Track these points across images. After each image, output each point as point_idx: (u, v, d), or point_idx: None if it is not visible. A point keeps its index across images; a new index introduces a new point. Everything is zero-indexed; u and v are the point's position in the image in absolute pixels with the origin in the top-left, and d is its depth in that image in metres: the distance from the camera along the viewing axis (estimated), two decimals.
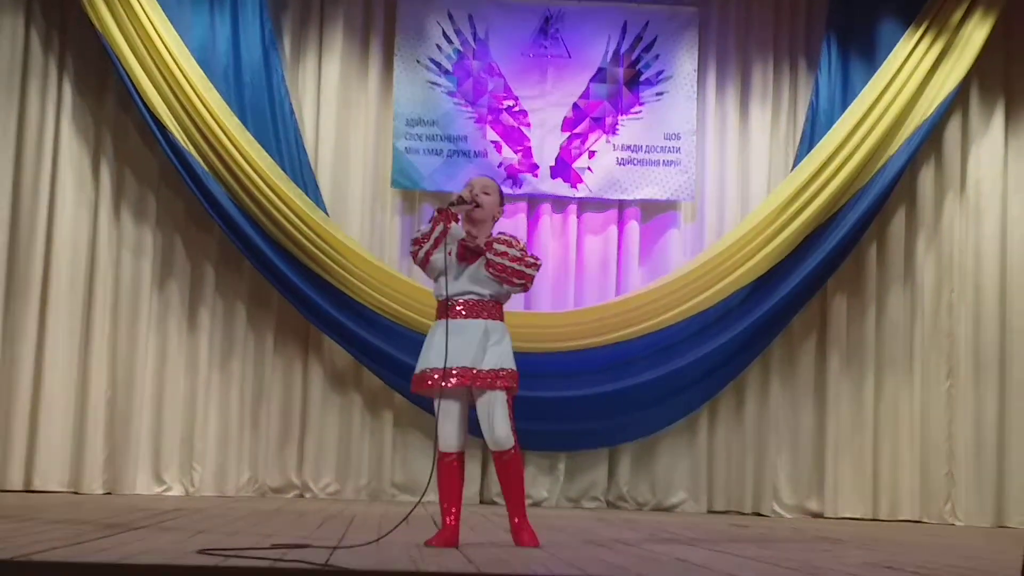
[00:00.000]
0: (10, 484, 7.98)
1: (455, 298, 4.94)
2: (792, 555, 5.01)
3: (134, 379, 8.28)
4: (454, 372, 4.86)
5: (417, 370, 4.97)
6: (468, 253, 4.97)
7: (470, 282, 4.97)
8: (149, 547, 4.27)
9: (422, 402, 8.22)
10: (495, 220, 5.09)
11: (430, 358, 4.90)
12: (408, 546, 4.74)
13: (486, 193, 5.03)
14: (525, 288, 5.09)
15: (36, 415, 8.11)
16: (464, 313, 4.94)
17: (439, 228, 4.91)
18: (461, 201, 4.97)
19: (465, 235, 5.00)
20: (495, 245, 4.97)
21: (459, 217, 5.00)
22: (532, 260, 5.04)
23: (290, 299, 8.25)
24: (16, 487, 7.97)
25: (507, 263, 4.95)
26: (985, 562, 5.10)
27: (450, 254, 4.96)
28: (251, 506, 7.17)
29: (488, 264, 4.95)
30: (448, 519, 4.91)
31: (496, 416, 4.91)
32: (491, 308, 5.00)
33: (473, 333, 4.91)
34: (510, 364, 4.96)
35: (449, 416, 4.94)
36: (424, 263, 4.96)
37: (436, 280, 4.99)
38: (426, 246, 4.92)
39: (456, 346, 4.86)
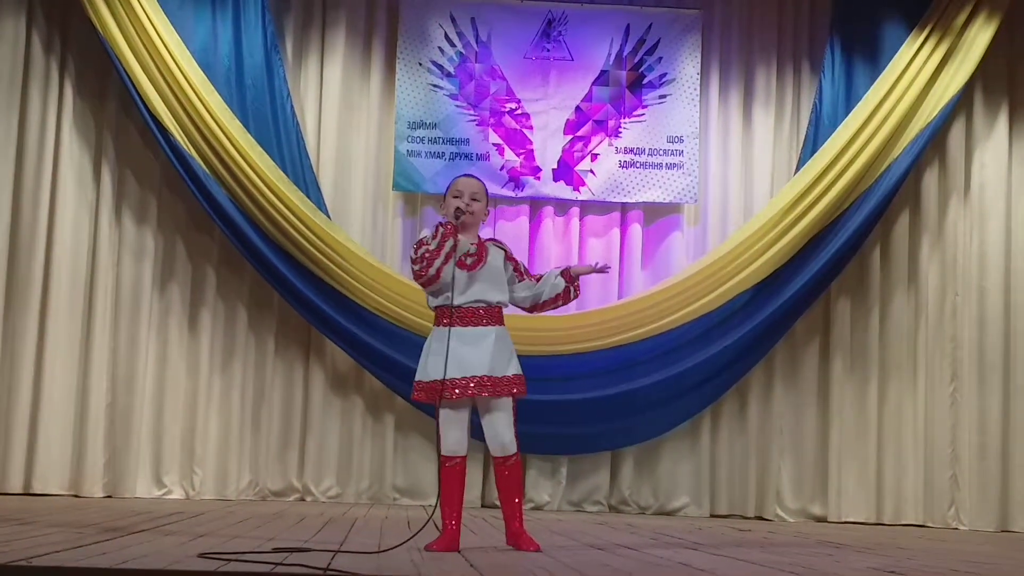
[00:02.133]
0: (10, 487, 7.96)
1: (465, 307, 4.96)
2: (795, 559, 5.00)
3: (135, 382, 8.26)
4: (472, 381, 4.88)
5: (424, 378, 4.96)
6: (472, 260, 5.00)
7: (480, 290, 5.01)
8: (150, 551, 4.26)
9: (425, 406, 8.21)
10: (482, 222, 5.21)
11: (437, 367, 4.88)
12: (410, 551, 4.72)
13: (475, 199, 5.09)
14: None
15: (36, 418, 8.09)
16: (474, 321, 4.96)
17: (449, 243, 4.91)
18: (460, 214, 4.99)
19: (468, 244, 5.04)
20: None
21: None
22: None
23: (291, 302, 8.23)
24: (16, 490, 7.95)
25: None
26: (989, 567, 5.07)
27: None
28: (252, 510, 7.15)
29: (570, 294, 5.22)
30: (450, 523, 4.91)
31: (502, 422, 4.96)
32: (497, 314, 5.05)
33: (486, 341, 4.94)
34: (519, 369, 5.02)
35: (456, 421, 4.96)
36: (435, 279, 4.93)
37: (438, 293, 5.00)
38: (437, 262, 4.90)
39: (470, 355, 4.89)
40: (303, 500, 8.29)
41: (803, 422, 8.61)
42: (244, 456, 8.32)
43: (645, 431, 8.41)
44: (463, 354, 4.89)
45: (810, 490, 8.56)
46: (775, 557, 5.10)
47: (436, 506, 4.91)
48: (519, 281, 5.19)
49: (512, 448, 4.98)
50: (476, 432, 5.08)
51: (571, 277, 5.22)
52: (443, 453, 4.97)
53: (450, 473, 4.97)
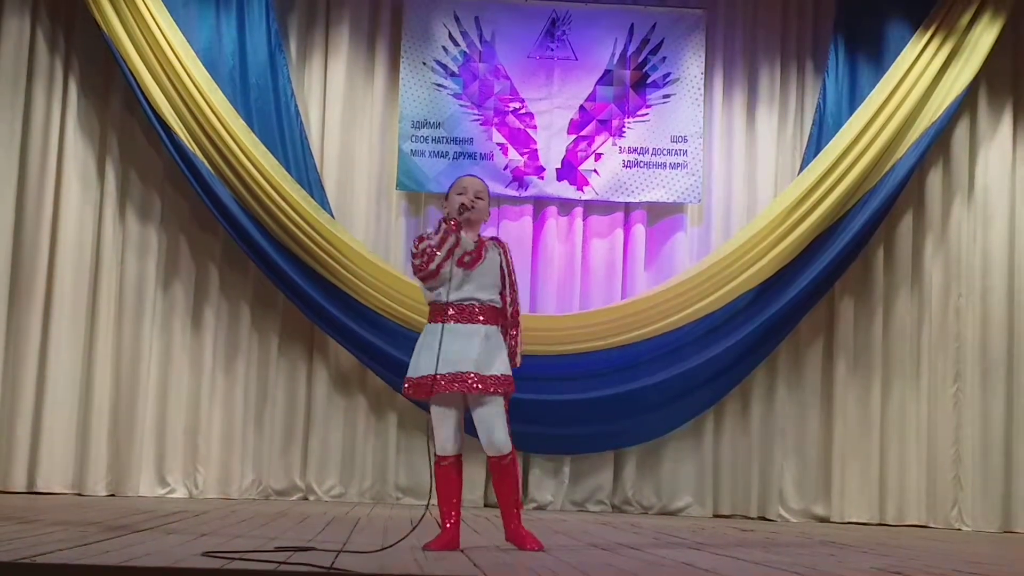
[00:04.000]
0: (14, 486, 7.96)
1: (457, 303, 4.95)
2: (798, 560, 5.00)
3: (138, 380, 8.27)
4: (458, 377, 4.86)
5: (414, 374, 4.95)
6: (471, 258, 4.98)
7: (473, 288, 4.98)
8: (153, 549, 4.26)
9: (427, 405, 8.21)
10: (484, 223, 5.17)
11: (427, 363, 4.88)
12: (413, 550, 4.72)
13: (479, 198, 5.08)
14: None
15: (40, 416, 8.10)
16: (468, 318, 4.95)
17: (451, 239, 4.90)
18: (464, 209, 4.98)
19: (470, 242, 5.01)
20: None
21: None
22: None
23: (295, 301, 8.23)
24: (20, 489, 7.96)
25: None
26: (992, 568, 5.07)
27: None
28: (255, 508, 7.16)
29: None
30: (448, 522, 4.90)
31: (495, 422, 4.93)
32: (490, 312, 5.01)
33: (473, 338, 4.92)
34: (508, 369, 4.99)
35: (447, 420, 4.95)
36: (435, 274, 4.91)
37: (434, 288, 4.99)
38: (439, 257, 4.89)
39: (457, 351, 4.87)
40: (306, 499, 8.30)
41: (806, 422, 8.61)
42: (247, 455, 8.33)
43: (648, 431, 8.41)
44: (453, 351, 4.89)
45: (813, 490, 8.56)
46: (778, 557, 5.11)
47: (427, 507, 4.91)
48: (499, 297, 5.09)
49: (505, 448, 4.94)
50: (471, 429, 5.07)
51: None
52: (436, 452, 4.97)
53: (443, 472, 4.96)
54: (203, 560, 3.88)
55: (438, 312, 4.97)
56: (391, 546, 4.67)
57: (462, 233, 4.97)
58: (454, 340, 4.89)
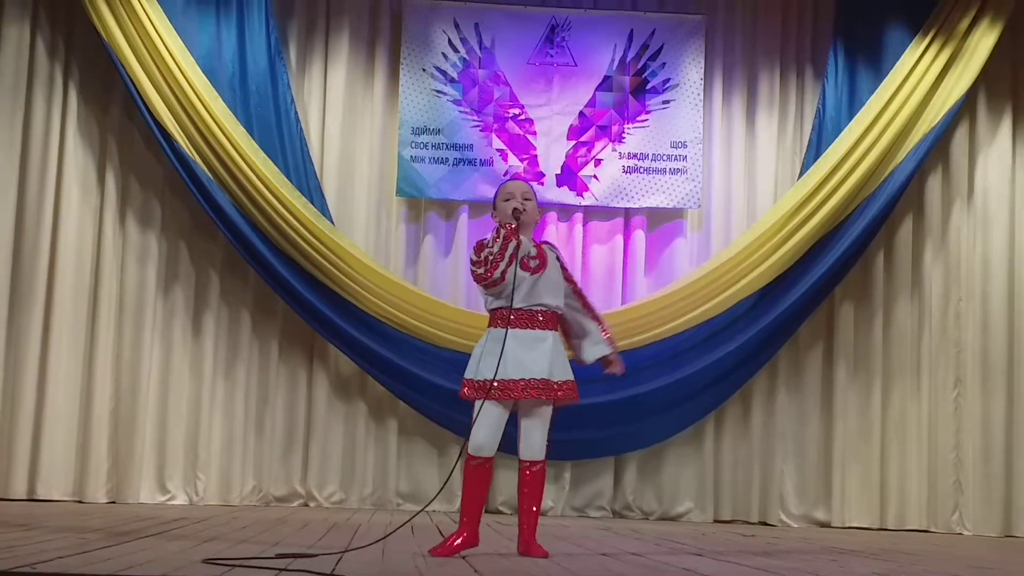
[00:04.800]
0: (14, 493, 7.96)
1: (524, 309, 4.98)
2: (799, 565, 5.00)
3: (138, 387, 8.27)
4: (528, 383, 4.89)
5: (476, 376, 4.94)
6: (536, 264, 5.02)
7: (541, 294, 5.02)
8: (154, 556, 4.26)
9: (427, 410, 8.22)
10: (536, 224, 5.21)
11: (494, 365, 4.86)
12: (414, 555, 4.72)
13: (527, 199, 5.09)
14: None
15: (40, 423, 8.09)
16: (532, 324, 4.97)
17: (513, 245, 4.93)
18: (518, 214, 5.00)
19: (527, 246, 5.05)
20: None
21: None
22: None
23: (295, 307, 8.23)
24: (20, 496, 7.95)
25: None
26: (993, 572, 5.07)
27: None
28: (255, 515, 7.16)
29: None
30: (469, 520, 4.91)
31: (539, 427, 4.99)
32: (553, 319, 5.08)
33: (543, 345, 4.97)
34: (573, 375, 5.06)
35: (491, 421, 4.93)
36: (500, 281, 4.92)
37: (500, 295, 4.98)
38: (502, 265, 4.90)
39: (528, 357, 4.91)
40: (307, 506, 8.29)
41: (807, 427, 8.61)
42: (248, 461, 8.32)
43: (649, 436, 8.41)
44: (521, 356, 4.91)
45: (814, 495, 8.56)
46: (779, 563, 5.11)
47: (424, 507, 4.89)
48: (572, 296, 5.21)
49: (541, 454, 5.00)
50: (504, 445, 5.06)
51: (607, 360, 5.29)
52: (469, 451, 4.95)
53: (478, 472, 4.94)
54: (204, 567, 3.89)
55: (502, 317, 4.97)
56: (388, 535, 4.68)
57: (522, 238, 4.98)
58: (521, 345, 4.92)
